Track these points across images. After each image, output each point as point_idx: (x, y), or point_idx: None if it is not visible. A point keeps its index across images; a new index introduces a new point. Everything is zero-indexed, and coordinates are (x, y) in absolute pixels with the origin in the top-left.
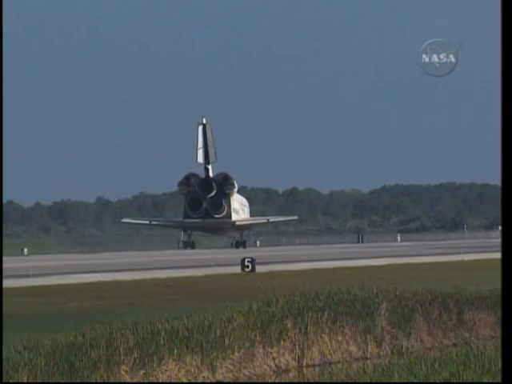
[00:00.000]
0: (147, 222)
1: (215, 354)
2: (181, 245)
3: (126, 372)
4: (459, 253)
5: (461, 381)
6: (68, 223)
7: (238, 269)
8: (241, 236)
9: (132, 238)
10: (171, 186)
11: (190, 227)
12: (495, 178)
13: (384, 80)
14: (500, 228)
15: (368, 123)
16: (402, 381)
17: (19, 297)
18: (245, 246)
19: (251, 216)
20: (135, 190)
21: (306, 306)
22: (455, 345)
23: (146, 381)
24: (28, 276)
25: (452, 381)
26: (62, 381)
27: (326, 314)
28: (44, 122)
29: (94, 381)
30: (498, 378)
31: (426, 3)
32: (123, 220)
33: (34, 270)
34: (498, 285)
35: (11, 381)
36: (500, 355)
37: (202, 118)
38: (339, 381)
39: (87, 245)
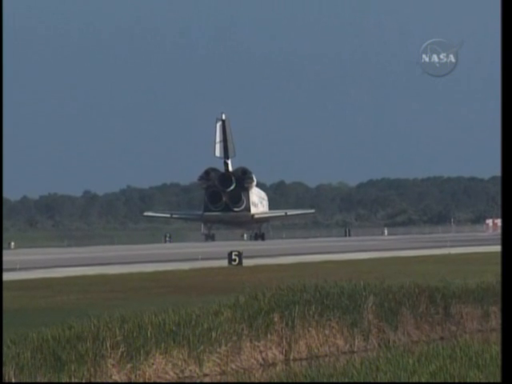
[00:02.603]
0: (168, 216)
1: (202, 347)
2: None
3: (113, 365)
4: (446, 246)
5: (447, 374)
6: (55, 217)
7: (225, 262)
8: (259, 229)
9: (119, 231)
10: (158, 179)
11: (210, 220)
12: (482, 172)
13: (382, 79)
14: (487, 222)
15: (357, 118)
16: (389, 374)
17: (6, 290)
18: (263, 239)
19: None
20: (122, 183)
21: (292, 300)
22: (442, 338)
23: (133, 374)
24: (15, 270)
25: (439, 374)
26: (48, 374)
27: (313, 307)
28: (31, 116)
29: (82, 374)
30: (485, 371)
31: (426, 3)
32: (145, 213)
33: (21, 263)
34: (485, 278)
35: None
36: (500, 355)
37: (222, 113)
38: (327, 374)
39: (74, 238)
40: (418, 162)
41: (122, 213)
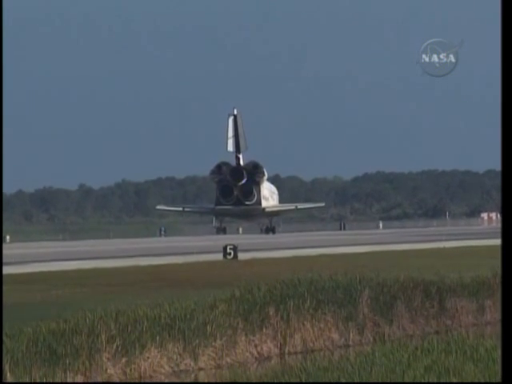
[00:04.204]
0: (180, 209)
1: (197, 341)
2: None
3: (108, 359)
4: (441, 240)
5: (442, 368)
6: (50, 210)
7: (220, 256)
8: (270, 222)
9: (114, 225)
10: (153, 173)
11: (222, 214)
12: (477, 166)
13: (380, 77)
14: (482, 215)
15: (352, 112)
16: (384, 368)
17: None
18: (274, 232)
19: (280, 203)
20: (117, 177)
21: (288, 294)
22: (437, 332)
23: (128, 368)
24: (10, 263)
25: (434, 367)
26: (43, 367)
27: (308, 301)
28: (26, 110)
29: (77, 367)
30: (480, 366)
31: (426, 3)
32: (157, 207)
33: (16, 257)
34: (480, 272)
35: None
36: (500, 355)
37: (233, 108)
38: (322, 368)
39: (69, 232)
40: (413, 156)
41: (117, 206)
